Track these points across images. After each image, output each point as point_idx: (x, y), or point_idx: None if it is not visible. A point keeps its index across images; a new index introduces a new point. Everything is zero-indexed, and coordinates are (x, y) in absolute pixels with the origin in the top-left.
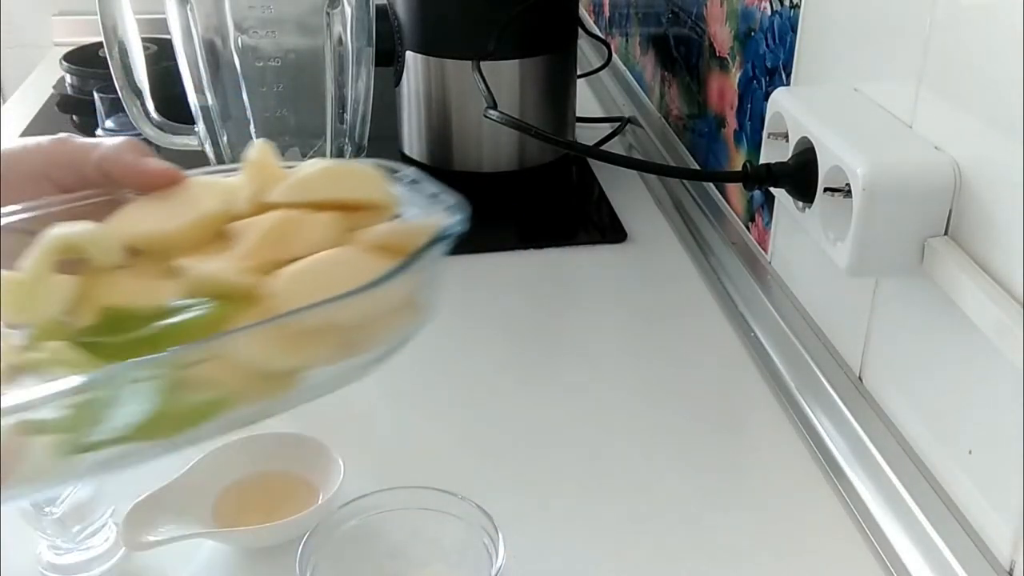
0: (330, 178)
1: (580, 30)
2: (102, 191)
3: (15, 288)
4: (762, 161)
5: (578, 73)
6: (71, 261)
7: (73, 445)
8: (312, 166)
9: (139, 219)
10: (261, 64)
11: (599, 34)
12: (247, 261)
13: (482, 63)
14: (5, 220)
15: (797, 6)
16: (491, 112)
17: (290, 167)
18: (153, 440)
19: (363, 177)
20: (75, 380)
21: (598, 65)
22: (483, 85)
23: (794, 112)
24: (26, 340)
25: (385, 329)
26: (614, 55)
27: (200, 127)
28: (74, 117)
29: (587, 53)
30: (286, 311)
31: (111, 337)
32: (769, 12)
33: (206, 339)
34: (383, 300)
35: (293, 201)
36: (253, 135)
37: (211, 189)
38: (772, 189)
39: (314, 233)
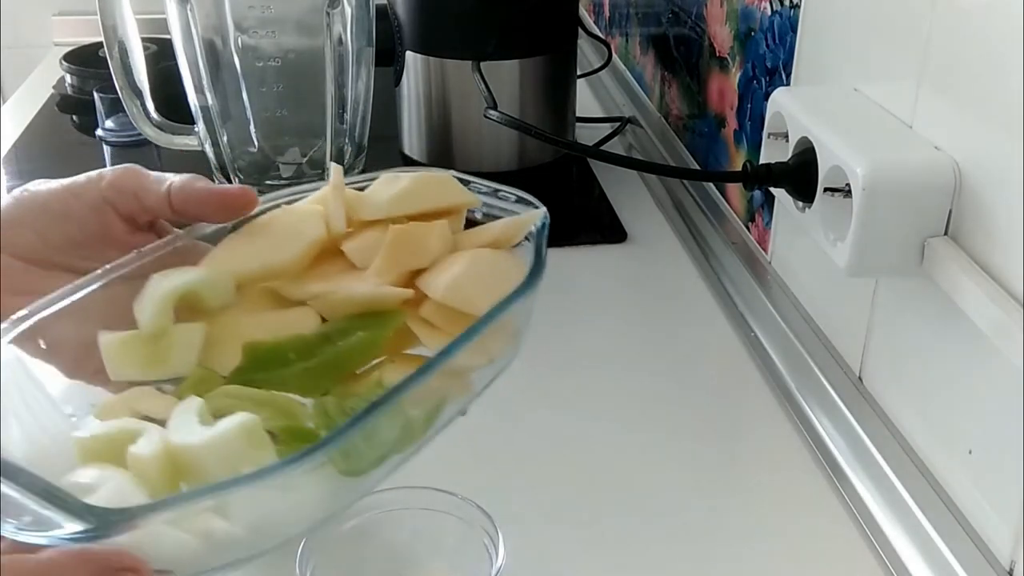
0: (418, 189)
1: (580, 30)
2: (166, 242)
3: (140, 345)
4: (762, 161)
5: (578, 73)
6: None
7: (353, 470)
8: (395, 182)
9: (242, 256)
10: (261, 64)
11: (599, 34)
12: (385, 277)
13: (482, 63)
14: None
15: (797, 6)
16: (491, 112)
17: (359, 185)
18: (402, 452)
19: (443, 183)
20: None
21: (598, 65)
22: (483, 85)
23: (794, 112)
24: (176, 392)
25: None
26: (614, 55)
27: (200, 127)
28: (74, 117)
29: (587, 53)
30: (483, 317)
31: (263, 373)
32: (769, 12)
33: (436, 361)
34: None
35: (391, 216)
36: (253, 135)
37: (303, 216)
38: (772, 189)
39: (432, 241)
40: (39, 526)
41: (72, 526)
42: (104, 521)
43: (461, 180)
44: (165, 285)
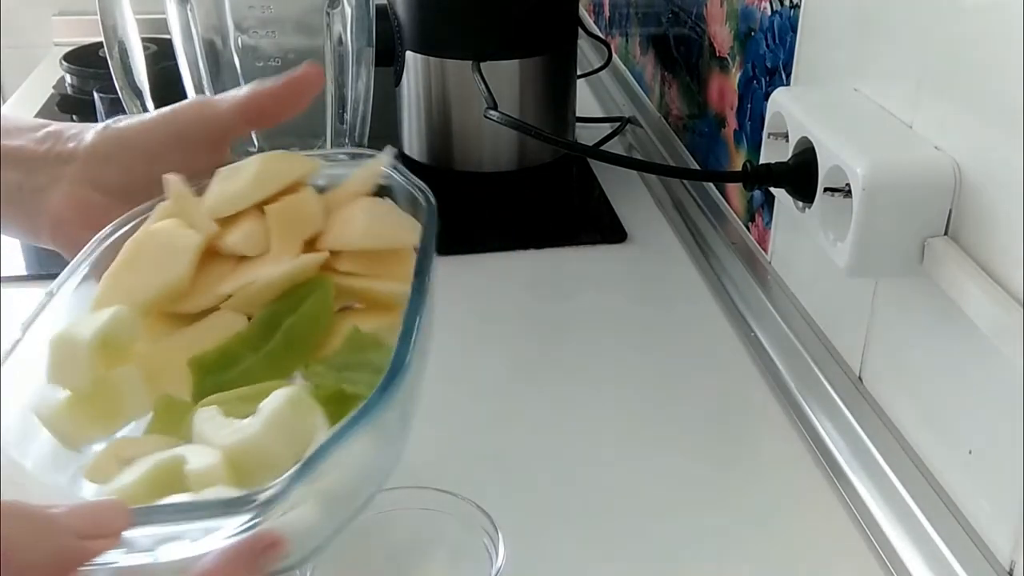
0: (267, 170)
1: (580, 30)
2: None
3: (85, 407)
4: (762, 161)
5: (578, 73)
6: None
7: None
8: (237, 172)
9: (133, 287)
10: (261, 64)
11: (599, 34)
12: (290, 253)
13: (482, 63)
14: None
15: (797, 6)
16: (491, 112)
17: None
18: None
19: (282, 159)
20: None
21: (598, 65)
22: (483, 86)
23: (794, 112)
24: (148, 430)
25: None
26: (614, 55)
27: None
28: (74, 117)
29: (587, 53)
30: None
31: (223, 375)
32: (769, 12)
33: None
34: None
35: (255, 201)
36: (253, 135)
37: (168, 232)
38: (772, 189)
39: (312, 207)
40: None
41: (231, 524)
42: (263, 505)
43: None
44: (80, 340)
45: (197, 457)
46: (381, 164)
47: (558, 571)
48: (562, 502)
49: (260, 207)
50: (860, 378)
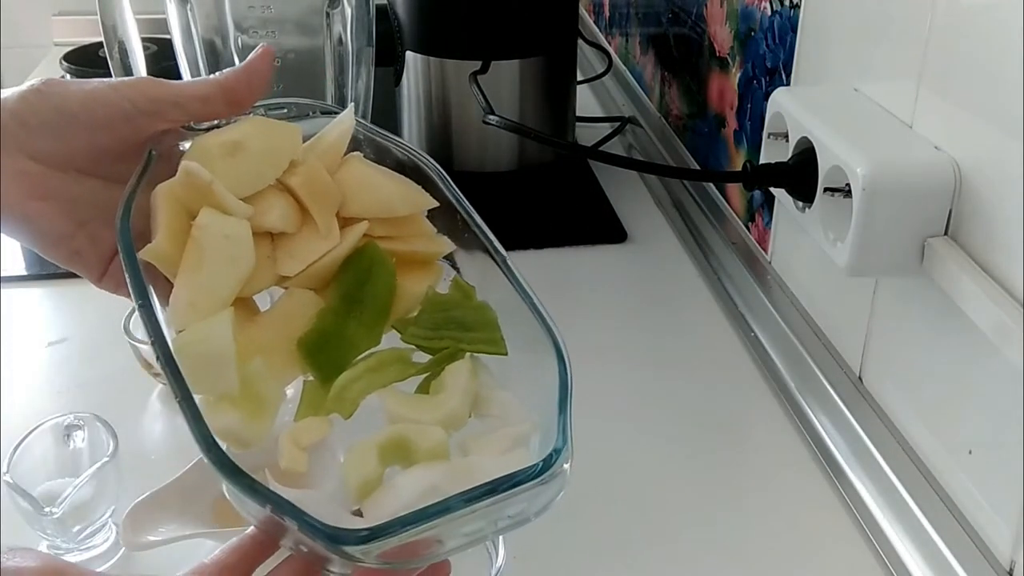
0: (273, 148)
1: (581, 40)
2: (144, 160)
3: (240, 405)
4: (762, 161)
5: (580, 78)
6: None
7: None
8: (236, 151)
9: (213, 285)
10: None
11: (601, 38)
12: (333, 225)
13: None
14: None
15: (797, 6)
16: (491, 117)
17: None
18: None
19: (271, 127)
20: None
21: (600, 69)
22: (481, 97)
23: (794, 112)
24: (296, 416)
25: None
26: (614, 58)
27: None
28: None
29: (588, 56)
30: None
31: (333, 354)
32: (769, 12)
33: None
34: None
35: (271, 181)
36: None
37: (220, 225)
38: (772, 189)
39: (326, 176)
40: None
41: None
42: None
43: (266, 111)
44: (223, 349)
45: (421, 435)
46: (349, 121)
47: (558, 571)
48: (562, 502)
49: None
50: (860, 378)
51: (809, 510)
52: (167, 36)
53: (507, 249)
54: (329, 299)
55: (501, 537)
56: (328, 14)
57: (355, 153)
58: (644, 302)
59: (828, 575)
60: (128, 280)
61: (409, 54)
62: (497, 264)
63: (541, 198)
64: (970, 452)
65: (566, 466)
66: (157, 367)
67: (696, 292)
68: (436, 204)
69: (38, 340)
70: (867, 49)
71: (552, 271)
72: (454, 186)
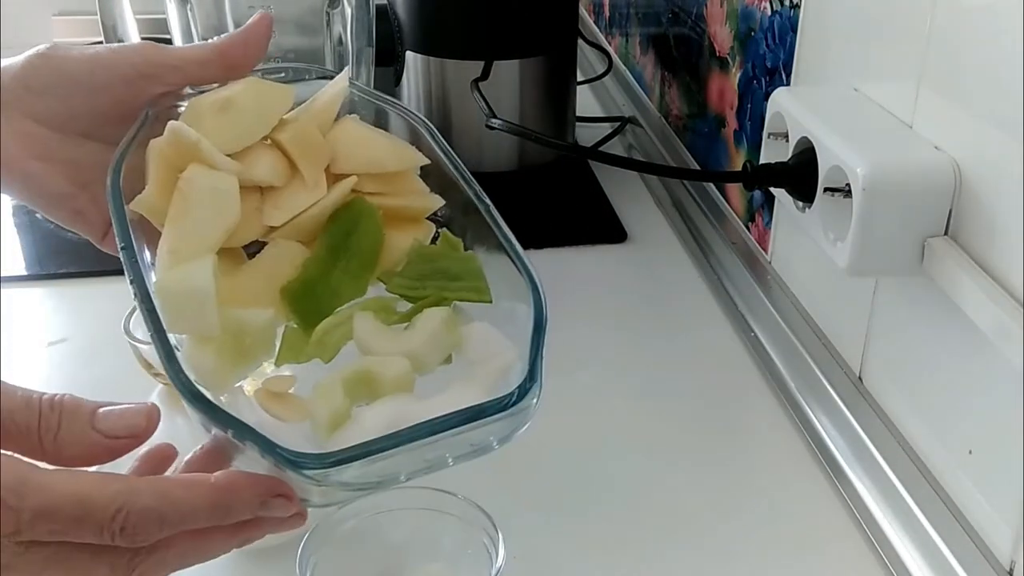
0: (265, 106)
1: (581, 40)
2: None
3: (215, 353)
4: (762, 161)
5: (580, 79)
6: None
7: None
8: (227, 108)
9: (200, 233)
10: (261, 64)
11: (601, 39)
12: (320, 180)
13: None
14: None
15: (797, 6)
16: (493, 121)
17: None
18: None
19: (270, 89)
20: None
21: (600, 69)
22: (483, 103)
23: (794, 112)
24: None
25: None
26: (614, 58)
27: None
28: None
29: (588, 56)
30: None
31: (319, 302)
32: (769, 12)
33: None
34: None
35: (260, 137)
36: None
37: (207, 173)
38: (772, 189)
39: (317, 133)
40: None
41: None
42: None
43: (263, 75)
44: (203, 289)
45: (384, 366)
46: (343, 83)
47: (558, 571)
48: (562, 502)
49: (264, 139)
50: (860, 378)
51: (809, 510)
52: (167, 36)
53: None
54: (315, 250)
55: (501, 537)
56: (328, 14)
57: (349, 115)
58: (644, 302)
59: (827, 575)
60: (114, 224)
61: (409, 54)
62: (481, 213)
63: (541, 198)
64: (970, 452)
65: (534, 401)
66: (158, 367)
67: (696, 292)
68: (427, 161)
69: (38, 340)
70: (867, 49)
71: (552, 271)
72: (446, 144)
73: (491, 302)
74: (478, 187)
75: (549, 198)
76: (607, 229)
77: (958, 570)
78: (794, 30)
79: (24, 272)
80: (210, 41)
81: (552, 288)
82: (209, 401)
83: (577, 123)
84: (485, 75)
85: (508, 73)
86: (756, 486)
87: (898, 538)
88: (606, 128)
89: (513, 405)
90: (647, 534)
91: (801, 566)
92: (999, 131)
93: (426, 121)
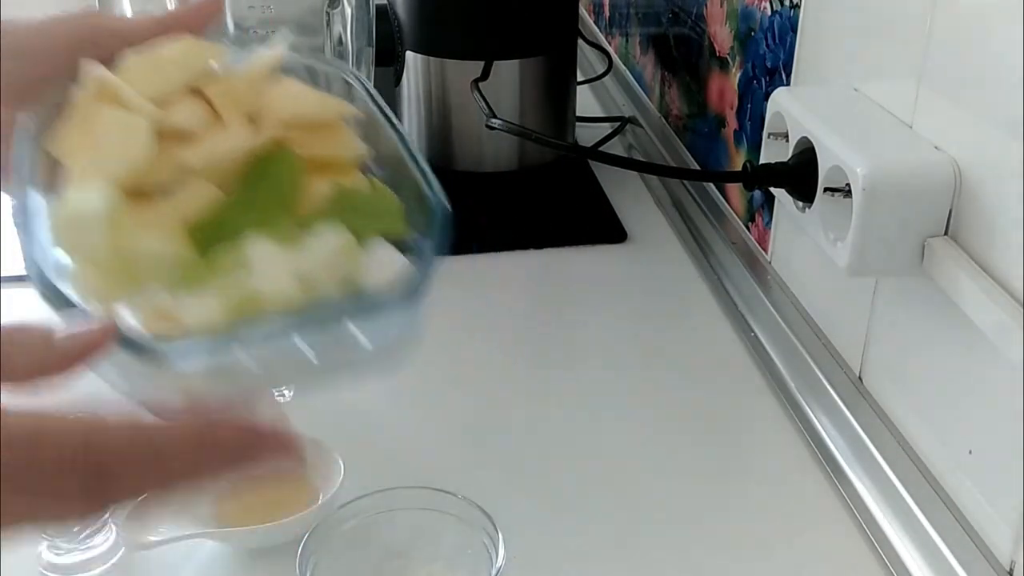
0: (189, 56)
1: (581, 40)
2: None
3: (101, 275)
4: (762, 161)
5: (580, 79)
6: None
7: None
8: (158, 56)
9: (103, 162)
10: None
11: (601, 39)
12: (241, 125)
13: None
14: None
15: (797, 6)
16: (493, 121)
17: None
18: None
19: (198, 43)
20: None
21: (600, 69)
22: (484, 103)
23: (794, 112)
24: (174, 295)
25: None
26: (614, 58)
27: None
28: None
29: (588, 56)
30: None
31: (221, 241)
32: (769, 12)
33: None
34: None
35: (182, 84)
36: None
37: (117, 109)
38: (772, 189)
39: (244, 85)
40: None
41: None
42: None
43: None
44: (92, 212)
45: (266, 282)
46: (279, 49)
47: (558, 571)
48: (562, 502)
49: (188, 90)
50: (860, 378)
51: (809, 510)
52: None
53: (508, 249)
54: (231, 191)
55: (501, 537)
56: (328, 14)
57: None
58: (644, 302)
59: (828, 575)
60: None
61: (409, 54)
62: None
63: (541, 198)
64: (970, 452)
65: (411, 310)
66: None
67: (696, 292)
68: (356, 112)
69: None
70: (867, 49)
71: (552, 271)
72: (380, 99)
73: (405, 234)
74: (402, 128)
75: (549, 198)
76: (607, 229)
77: (958, 570)
78: (794, 30)
79: (24, 272)
80: (158, 13)
81: (552, 288)
82: (59, 289)
83: (577, 123)
84: (485, 75)
85: (508, 73)
86: (755, 485)
87: (898, 538)
88: (606, 128)
89: (381, 303)
90: (646, 534)
91: (801, 566)
92: (999, 131)
93: (356, 73)
